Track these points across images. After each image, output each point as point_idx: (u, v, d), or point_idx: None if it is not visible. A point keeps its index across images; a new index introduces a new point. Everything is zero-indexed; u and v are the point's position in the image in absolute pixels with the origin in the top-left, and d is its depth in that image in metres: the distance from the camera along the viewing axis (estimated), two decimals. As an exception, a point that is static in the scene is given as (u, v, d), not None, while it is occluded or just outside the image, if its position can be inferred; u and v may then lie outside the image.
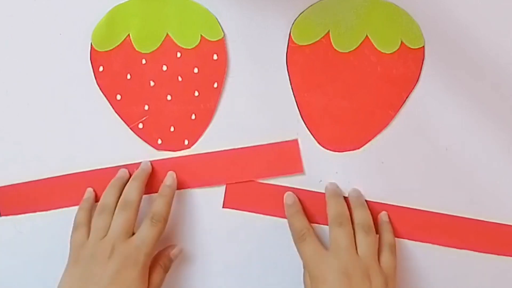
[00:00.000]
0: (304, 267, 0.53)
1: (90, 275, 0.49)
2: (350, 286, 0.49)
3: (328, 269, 0.50)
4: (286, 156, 0.55)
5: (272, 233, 0.55)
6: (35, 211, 0.56)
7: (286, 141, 0.55)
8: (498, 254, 0.55)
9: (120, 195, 0.53)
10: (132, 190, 0.53)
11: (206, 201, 0.56)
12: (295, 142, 0.55)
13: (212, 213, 0.56)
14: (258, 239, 0.56)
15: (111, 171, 0.56)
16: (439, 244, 0.55)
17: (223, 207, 0.56)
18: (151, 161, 0.56)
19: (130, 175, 0.55)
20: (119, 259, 0.49)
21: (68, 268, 0.51)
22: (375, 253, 0.52)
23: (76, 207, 0.55)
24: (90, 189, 0.56)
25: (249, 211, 0.56)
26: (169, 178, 0.55)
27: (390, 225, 0.55)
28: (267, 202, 0.55)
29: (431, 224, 0.55)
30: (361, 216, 0.53)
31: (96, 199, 0.56)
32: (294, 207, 0.54)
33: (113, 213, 0.52)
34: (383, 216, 0.55)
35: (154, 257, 0.53)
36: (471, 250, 0.55)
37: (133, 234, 0.52)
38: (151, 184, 0.55)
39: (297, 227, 0.53)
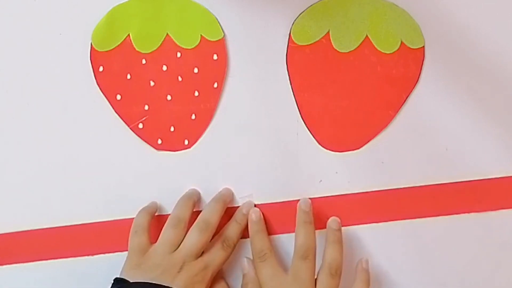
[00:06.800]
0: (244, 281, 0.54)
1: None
2: None
3: None
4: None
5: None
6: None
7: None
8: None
9: (192, 210, 0.54)
10: (214, 212, 0.53)
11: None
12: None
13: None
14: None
15: (116, 223, 0.56)
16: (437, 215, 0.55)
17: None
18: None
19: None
20: (188, 276, 0.50)
21: (128, 270, 0.51)
22: None
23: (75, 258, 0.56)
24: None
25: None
26: (246, 206, 0.55)
27: (368, 274, 0.53)
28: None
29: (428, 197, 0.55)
30: (332, 255, 0.52)
31: (91, 250, 0.56)
32: (258, 225, 0.54)
33: (186, 228, 0.53)
34: (364, 263, 0.54)
35: None
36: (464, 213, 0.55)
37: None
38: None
39: (258, 247, 0.53)
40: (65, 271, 0.56)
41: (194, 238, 0.52)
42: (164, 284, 0.49)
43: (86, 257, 0.56)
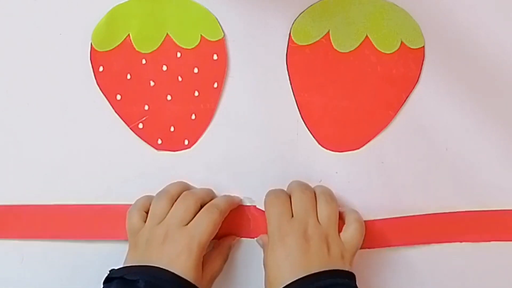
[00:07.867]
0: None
1: (148, 260, 0.48)
2: (308, 250, 0.48)
3: (289, 231, 0.49)
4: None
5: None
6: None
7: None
8: (500, 241, 0.55)
9: (181, 187, 0.54)
10: (202, 189, 0.54)
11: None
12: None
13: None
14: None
15: (116, 207, 0.56)
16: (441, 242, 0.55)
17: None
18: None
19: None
20: (172, 247, 0.48)
21: (128, 253, 0.51)
22: (336, 222, 0.51)
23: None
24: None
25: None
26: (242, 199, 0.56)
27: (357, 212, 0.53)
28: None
29: (431, 226, 0.55)
30: (323, 188, 0.54)
31: (94, 235, 0.56)
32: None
33: (173, 202, 0.52)
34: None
35: (213, 246, 0.53)
36: (472, 241, 0.55)
37: None
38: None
39: (277, 190, 0.53)
40: (61, 252, 0.57)
41: (178, 205, 0.51)
42: (149, 264, 0.48)
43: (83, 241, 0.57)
